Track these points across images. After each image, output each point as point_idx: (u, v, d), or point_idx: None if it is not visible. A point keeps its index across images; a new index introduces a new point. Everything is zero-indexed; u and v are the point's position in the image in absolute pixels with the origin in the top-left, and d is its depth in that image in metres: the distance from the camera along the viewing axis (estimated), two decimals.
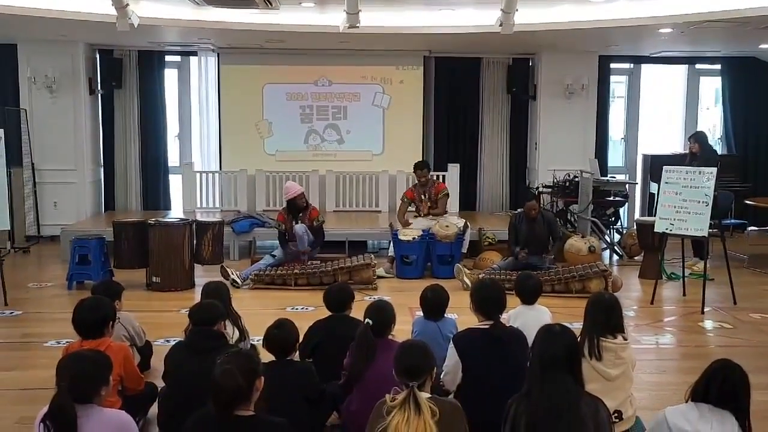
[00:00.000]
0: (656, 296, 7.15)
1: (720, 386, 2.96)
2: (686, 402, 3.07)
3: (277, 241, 8.31)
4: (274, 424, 2.85)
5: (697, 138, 8.31)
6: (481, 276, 7.39)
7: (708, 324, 6.50)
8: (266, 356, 3.65)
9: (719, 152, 10.57)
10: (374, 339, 3.76)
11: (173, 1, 7.95)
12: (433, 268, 8.20)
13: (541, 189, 10.11)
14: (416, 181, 8.91)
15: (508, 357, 3.71)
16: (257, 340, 4.37)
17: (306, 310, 6.66)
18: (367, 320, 3.81)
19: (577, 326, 3.64)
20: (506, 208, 10.99)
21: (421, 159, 9.89)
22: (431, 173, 9.12)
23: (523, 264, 7.65)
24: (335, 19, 8.20)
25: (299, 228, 7.87)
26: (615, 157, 11.95)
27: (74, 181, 10.22)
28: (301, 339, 4.04)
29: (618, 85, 11.95)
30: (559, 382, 2.85)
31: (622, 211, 10.64)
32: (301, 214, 8.03)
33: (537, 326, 3.21)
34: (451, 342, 3.85)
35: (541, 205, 8.32)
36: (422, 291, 4.48)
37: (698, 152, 8.12)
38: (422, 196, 8.70)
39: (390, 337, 3.94)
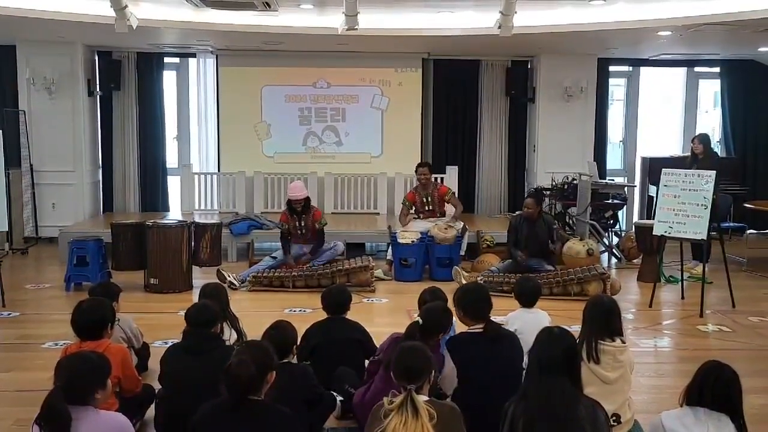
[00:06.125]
0: (655, 299, 7.13)
1: (713, 388, 2.96)
2: (681, 406, 3.06)
3: (278, 243, 8.30)
4: (281, 411, 2.98)
5: (701, 140, 8.27)
6: (479, 278, 7.39)
7: (707, 327, 6.48)
8: None
9: (718, 154, 10.57)
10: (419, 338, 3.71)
11: (172, 2, 7.95)
12: (432, 271, 8.19)
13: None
14: (416, 183, 8.90)
15: (503, 358, 3.71)
16: None
17: (304, 312, 6.65)
18: (417, 319, 3.81)
19: (575, 329, 3.64)
20: (505, 210, 10.98)
21: (421, 160, 9.88)
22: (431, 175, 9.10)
23: (523, 267, 7.65)
24: (334, 21, 8.20)
25: (296, 248, 8.06)
26: (613, 159, 11.96)
27: (73, 183, 10.21)
28: (298, 341, 4.04)
29: (617, 87, 11.96)
30: (557, 384, 2.85)
31: (621, 214, 10.63)
32: (303, 215, 8.03)
33: (535, 329, 3.21)
34: (445, 346, 3.85)
35: (542, 208, 8.29)
36: (420, 293, 4.46)
37: (701, 154, 8.09)
38: (424, 199, 8.69)
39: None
